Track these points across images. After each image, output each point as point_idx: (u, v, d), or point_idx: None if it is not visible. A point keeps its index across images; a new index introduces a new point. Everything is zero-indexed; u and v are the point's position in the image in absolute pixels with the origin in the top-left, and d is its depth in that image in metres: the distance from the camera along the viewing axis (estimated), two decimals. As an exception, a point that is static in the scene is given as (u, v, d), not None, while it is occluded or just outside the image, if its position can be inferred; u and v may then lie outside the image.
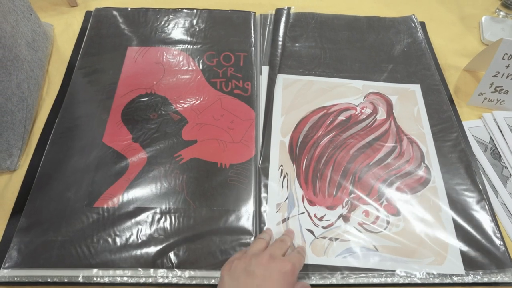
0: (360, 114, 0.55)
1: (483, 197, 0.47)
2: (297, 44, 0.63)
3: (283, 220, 0.45)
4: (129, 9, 0.65)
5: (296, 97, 0.56)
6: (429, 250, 0.43)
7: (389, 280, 0.41)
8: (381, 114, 0.55)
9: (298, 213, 0.45)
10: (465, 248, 0.43)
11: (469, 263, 0.42)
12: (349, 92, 0.57)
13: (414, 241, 0.43)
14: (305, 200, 0.46)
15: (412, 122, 0.54)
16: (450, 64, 0.64)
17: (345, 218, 0.45)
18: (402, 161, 0.50)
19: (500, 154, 0.53)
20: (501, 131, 0.54)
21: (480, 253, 0.43)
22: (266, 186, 0.47)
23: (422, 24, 0.69)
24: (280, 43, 0.62)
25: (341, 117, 0.54)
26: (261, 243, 0.39)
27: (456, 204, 0.47)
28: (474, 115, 0.57)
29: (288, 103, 0.55)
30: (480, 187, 0.48)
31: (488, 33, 0.67)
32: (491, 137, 0.55)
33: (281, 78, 0.58)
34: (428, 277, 0.41)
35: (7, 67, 0.46)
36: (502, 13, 0.71)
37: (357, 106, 0.56)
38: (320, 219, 0.45)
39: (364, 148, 0.51)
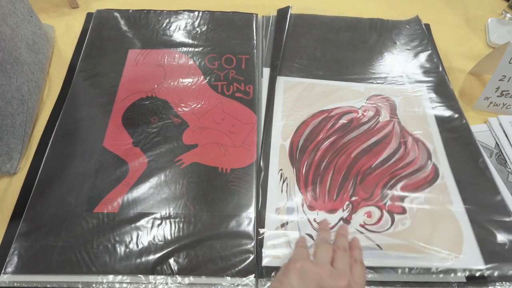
0: (362, 117, 0.54)
1: (497, 191, 0.47)
2: (298, 46, 0.62)
3: (283, 225, 0.44)
4: (130, 11, 0.65)
5: (297, 100, 0.56)
6: (441, 246, 0.42)
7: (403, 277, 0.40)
8: (384, 116, 0.54)
9: (297, 218, 0.45)
10: (481, 241, 0.43)
11: (488, 256, 0.42)
12: (351, 95, 0.57)
13: (423, 237, 0.43)
14: (305, 205, 0.46)
15: (417, 122, 0.54)
16: (455, 67, 0.63)
17: (346, 221, 0.45)
18: (406, 161, 0.49)
19: (505, 160, 0.52)
20: (506, 136, 0.53)
21: (498, 247, 0.42)
22: (265, 190, 0.47)
23: (427, 26, 0.68)
24: (281, 44, 0.61)
25: (343, 121, 0.54)
26: (329, 250, 0.38)
27: (469, 199, 0.46)
28: (479, 120, 0.56)
29: (289, 106, 0.55)
30: (490, 177, 0.48)
31: (495, 36, 0.66)
32: (496, 142, 0.54)
33: (282, 81, 0.57)
34: (442, 271, 0.40)
35: (7, 70, 0.46)
36: (508, 15, 0.70)
37: (359, 109, 0.55)
38: (321, 224, 0.44)
39: (366, 151, 0.50)
